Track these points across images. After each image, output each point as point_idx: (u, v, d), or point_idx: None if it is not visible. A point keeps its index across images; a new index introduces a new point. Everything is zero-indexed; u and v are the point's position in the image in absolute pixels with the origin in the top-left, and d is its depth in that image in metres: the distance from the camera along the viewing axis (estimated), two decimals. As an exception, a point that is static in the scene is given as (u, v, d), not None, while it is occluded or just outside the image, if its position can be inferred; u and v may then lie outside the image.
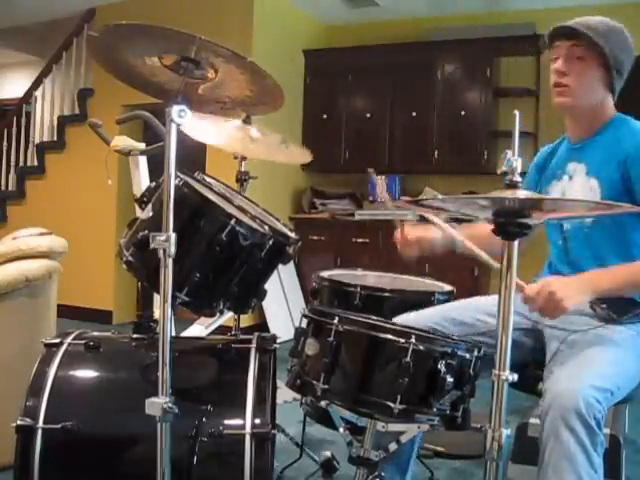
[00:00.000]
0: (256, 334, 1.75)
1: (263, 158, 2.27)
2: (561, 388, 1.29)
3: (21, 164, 5.71)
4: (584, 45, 1.55)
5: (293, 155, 2.37)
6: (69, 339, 1.69)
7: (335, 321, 1.30)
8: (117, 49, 1.36)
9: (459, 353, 1.28)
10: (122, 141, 2.29)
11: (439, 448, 2.49)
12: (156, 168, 1.96)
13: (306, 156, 2.34)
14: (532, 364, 1.58)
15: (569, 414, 1.24)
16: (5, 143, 5.81)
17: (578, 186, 1.63)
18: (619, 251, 1.57)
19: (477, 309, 1.66)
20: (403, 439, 1.37)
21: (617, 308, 1.52)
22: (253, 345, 1.69)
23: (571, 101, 1.60)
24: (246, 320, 4.25)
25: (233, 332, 2.31)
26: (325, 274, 2.03)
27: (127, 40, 1.34)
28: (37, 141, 5.66)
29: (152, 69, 1.41)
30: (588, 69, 1.56)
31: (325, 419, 1.49)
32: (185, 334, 2.80)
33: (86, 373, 1.67)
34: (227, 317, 2.39)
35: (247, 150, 2.28)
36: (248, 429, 1.52)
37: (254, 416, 1.54)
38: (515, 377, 1.16)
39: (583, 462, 1.24)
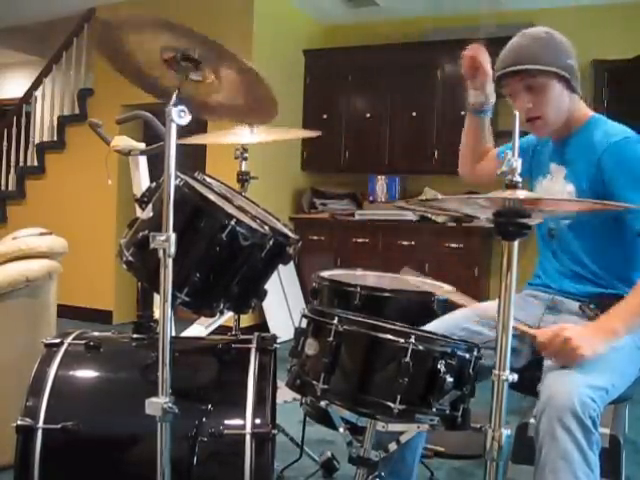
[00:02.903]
0: (256, 334, 1.75)
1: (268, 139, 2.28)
2: (555, 388, 1.29)
3: (21, 164, 5.71)
4: (534, 75, 1.55)
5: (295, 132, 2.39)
6: (69, 339, 1.69)
7: (335, 321, 1.30)
8: (121, 39, 1.35)
9: (459, 353, 1.28)
10: (122, 141, 2.29)
11: (439, 448, 2.49)
12: (156, 168, 1.96)
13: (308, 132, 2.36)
14: (531, 368, 1.57)
15: (564, 414, 1.24)
16: (5, 143, 5.81)
17: (558, 188, 1.64)
18: (598, 248, 1.59)
19: (470, 320, 1.65)
20: (403, 439, 1.37)
21: (606, 308, 1.53)
22: (253, 345, 1.69)
23: (548, 129, 1.62)
24: (246, 320, 4.25)
25: (233, 332, 2.31)
26: (325, 274, 2.02)
27: (130, 30, 1.34)
28: (37, 141, 5.65)
29: (152, 63, 1.41)
30: (549, 93, 1.56)
31: (325, 419, 1.48)
32: (185, 334, 2.80)
33: (86, 373, 1.67)
34: (227, 317, 2.39)
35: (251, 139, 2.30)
36: (248, 429, 1.52)
37: (254, 416, 1.54)
38: (515, 377, 1.16)
39: (579, 461, 1.24)
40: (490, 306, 1.69)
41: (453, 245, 4.69)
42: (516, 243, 1.16)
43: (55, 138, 5.51)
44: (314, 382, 1.29)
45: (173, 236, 1.33)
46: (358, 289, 1.85)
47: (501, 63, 1.60)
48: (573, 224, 1.62)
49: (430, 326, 1.63)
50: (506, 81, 1.60)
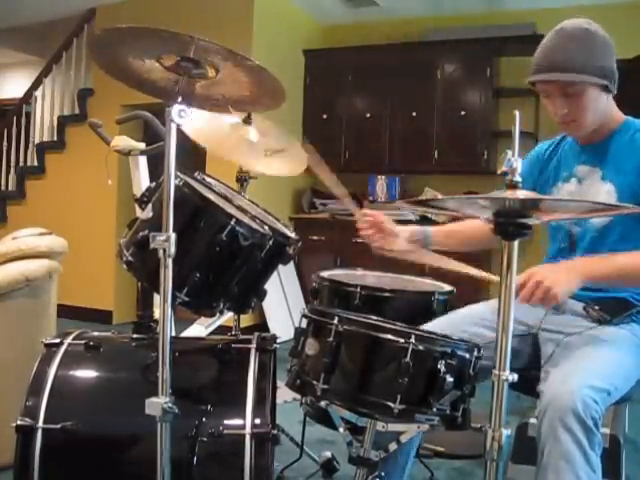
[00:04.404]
0: (256, 334, 1.75)
1: (260, 170, 2.19)
2: (558, 389, 1.29)
3: (21, 164, 5.71)
4: (570, 83, 1.51)
5: (293, 163, 2.29)
6: (69, 339, 1.69)
7: (335, 321, 1.30)
8: (117, 50, 1.36)
9: (459, 353, 1.28)
10: (122, 141, 2.29)
11: (439, 448, 2.49)
12: (156, 168, 1.96)
13: (304, 162, 2.26)
14: (530, 368, 1.57)
15: (566, 415, 1.24)
16: (5, 143, 5.81)
17: (592, 190, 1.60)
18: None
19: (469, 321, 1.65)
20: (403, 439, 1.37)
21: (610, 309, 1.52)
22: (253, 345, 1.68)
23: (582, 131, 1.60)
24: (246, 320, 4.25)
25: (233, 332, 2.31)
26: (325, 274, 2.02)
27: (127, 42, 1.34)
28: (37, 141, 5.66)
29: (151, 69, 1.42)
30: (586, 98, 1.52)
31: (325, 419, 1.48)
32: (185, 334, 2.80)
33: (86, 373, 1.67)
34: (227, 317, 2.39)
35: (245, 160, 2.23)
36: (248, 429, 1.52)
37: (254, 416, 1.53)
38: (515, 377, 1.16)
39: (581, 462, 1.24)
40: (487, 307, 1.70)
41: (453, 245, 4.69)
42: (516, 243, 1.16)
43: (55, 138, 5.51)
44: (314, 382, 1.29)
45: (173, 236, 1.33)
46: (358, 289, 1.85)
47: (535, 67, 1.54)
48: (598, 230, 1.59)
49: (428, 326, 1.63)
50: (539, 85, 1.56)
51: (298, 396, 1.50)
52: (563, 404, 1.26)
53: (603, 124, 1.60)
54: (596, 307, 1.54)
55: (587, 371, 1.33)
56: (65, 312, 3.56)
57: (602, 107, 1.57)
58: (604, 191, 1.58)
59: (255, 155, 2.18)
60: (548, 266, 1.42)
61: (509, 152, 1.16)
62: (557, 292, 1.33)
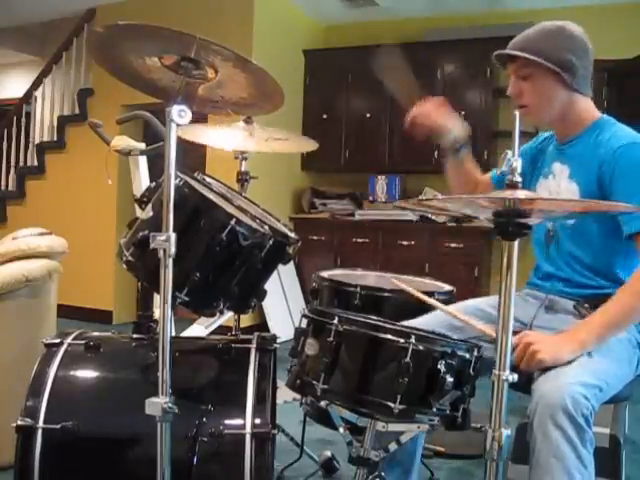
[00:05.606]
0: (256, 334, 1.75)
1: (265, 151, 2.29)
2: (547, 386, 1.29)
3: (21, 164, 5.72)
4: (525, 63, 1.58)
5: (295, 145, 2.39)
6: (69, 339, 1.69)
7: (335, 321, 1.30)
8: (117, 48, 1.36)
9: (459, 353, 1.28)
10: (122, 141, 2.29)
11: (439, 448, 2.49)
12: (155, 167, 1.96)
13: (310, 145, 2.36)
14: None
15: (556, 412, 1.24)
16: (5, 143, 5.81)
17: (562, 188, 1.64)
18: (597, 251, 1.58)
19: (466, 312, 1.65)
20: (403, 439, 1.37)
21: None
22: (253, 345, 1.69)
23: (534, 117, 1.65)
24: (246, 320, 4.25)
25: (233, 332, 2.31)
26: (325, 274, 2.03)
27: (128, 39, 1.34)
28: (37, 141, 5.66)
29: (151, 68, 1.42)
30: (538, 84, 1.58)
31: (325, 419, 1.48)
32: (185, 334, 2.80)
33: (86, 373, 1.67)
34: (227, 317, 2.39)
35: (248, 145, 2.30)
36: (248, 429, 1.52)
37: (254, 416, 1.54)
38: (515, 377, 1.16)
39: (572, 459, 1.24)
40: (484, 300, 1.70)
41: (453, 245, 4.69)
42: (516, 243, 1.16)
43: (55, 138, 5.52)
44: (314, 382, 1.29)
45: (173, 236, 1.33)
46: (358, 289, 1.85)
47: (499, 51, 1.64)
48: (572, 226, 1.61)
49: (413, 323, 1.62)
50: (507, 64, 1.65)
51: (298, 396, 1.50)
52: (552, 401, 1.25)
53: (572, 121, 1.63)
54: (586, 305, 1.54)
55: (577, 368, 1.33)
56: (65, 312, 3.56)
57: (559, 101, 1.60)
58: (569, 190, 1.61)
59: (255, 141, 2.32)
60: (542, 334, 1.40)
61: (509, 152, 1.16)
62: (542, 358, 1.32)
